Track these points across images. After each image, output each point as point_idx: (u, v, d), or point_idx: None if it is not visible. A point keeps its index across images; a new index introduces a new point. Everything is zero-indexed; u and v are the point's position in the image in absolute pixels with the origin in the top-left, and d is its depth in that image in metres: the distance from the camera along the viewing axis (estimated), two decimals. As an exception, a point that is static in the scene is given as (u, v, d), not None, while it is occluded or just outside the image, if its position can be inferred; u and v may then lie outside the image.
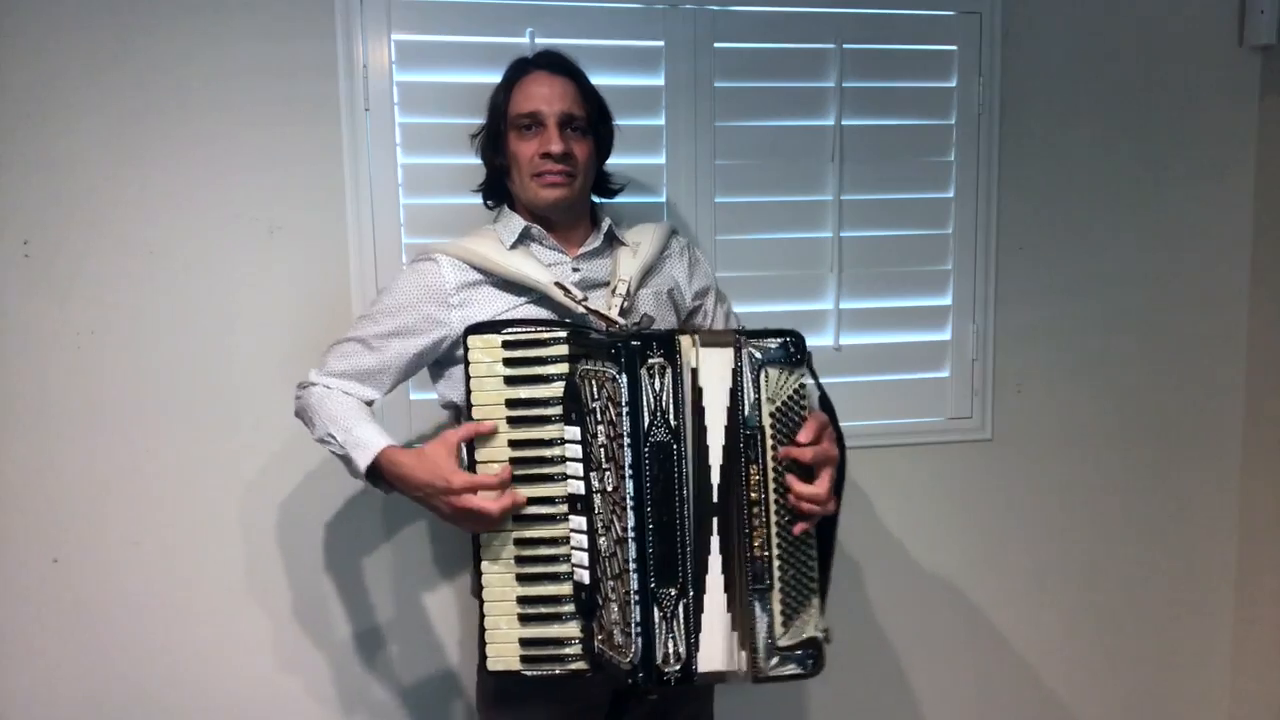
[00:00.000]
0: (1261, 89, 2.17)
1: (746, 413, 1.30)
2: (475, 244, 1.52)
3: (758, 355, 1.30)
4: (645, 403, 1.28)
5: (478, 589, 1.38)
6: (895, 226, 2.06)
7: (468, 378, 1.36)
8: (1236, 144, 2.19)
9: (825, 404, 1.39)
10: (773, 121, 1.99)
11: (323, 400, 1.47)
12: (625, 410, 1.28)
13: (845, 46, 1.98)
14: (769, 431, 1.30)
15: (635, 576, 1.29)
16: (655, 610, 1.29)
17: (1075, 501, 2.21)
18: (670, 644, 1.29)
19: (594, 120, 1.53)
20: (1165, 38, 2.12)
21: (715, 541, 1.31)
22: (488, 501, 1.32)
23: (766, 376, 1.30)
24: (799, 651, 1.31)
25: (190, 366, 1.84)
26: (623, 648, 1.31)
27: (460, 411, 1.54)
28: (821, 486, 1.32)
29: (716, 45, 1.94)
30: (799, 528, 1.32)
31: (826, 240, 2.03)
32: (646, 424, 1.28)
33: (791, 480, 1.31)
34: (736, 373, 1.30)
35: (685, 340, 1.30)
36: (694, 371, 1.30)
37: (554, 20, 1.88)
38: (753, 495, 1.30)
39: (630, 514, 1.28)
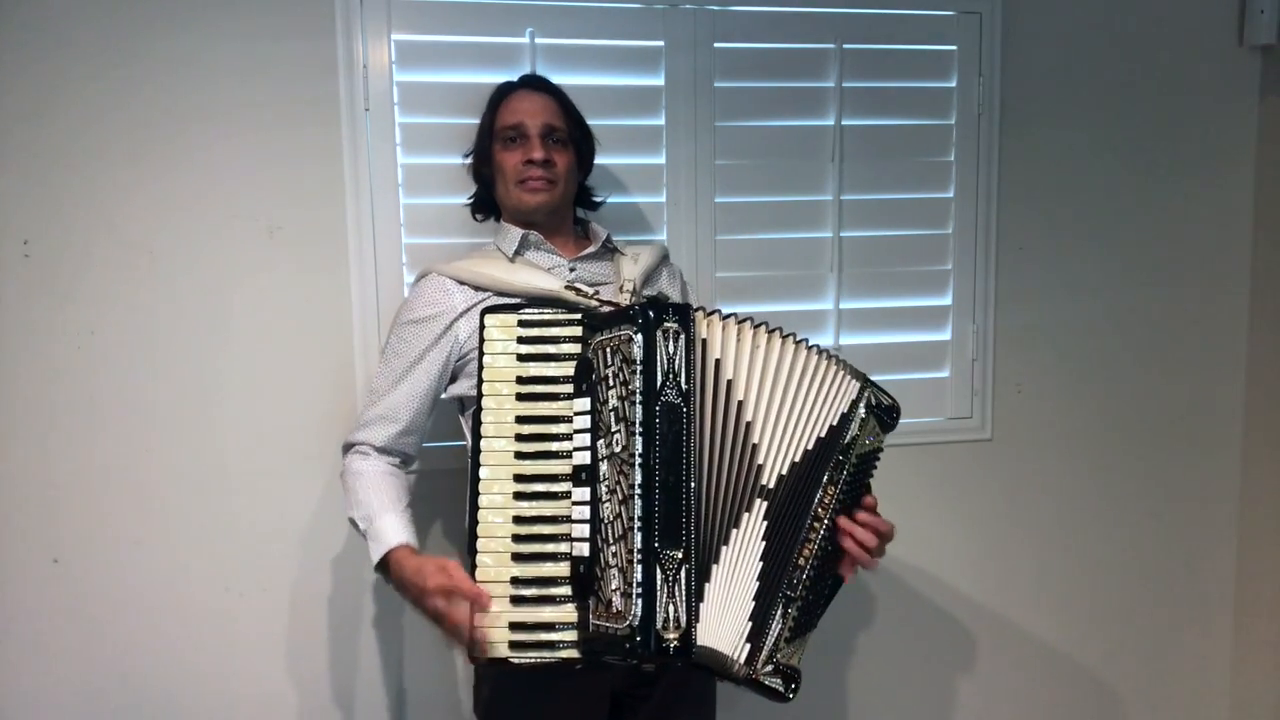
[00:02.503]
0: (1261, 89, 2.17)
1: (846, 441, 1.39)
2: (480, 265, 1.57)
3: (874, 402, 1.42)
4: (659, 363, 1.31)
5: (471, 569, 1.36)
6: (895, 226, 2.06)
7: (481, 354, 1.38)
8: (1236, 144, 2.19)
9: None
10: (773, 121, 1.99)
11: (359, 479, 1.51)
12: (639, 369, 1.31)
13: (845, 46, 1.98)
14: (851, 470, 1.39)
15: (640, 535, 1.29)
16: (658, 571, 1.29)
17: (1075, 501, 2.21)
18: (670, 609, 1.28)
19: (574, 134, 1.62)
20: (1165, 38, 2.12)
21: (760, 525, 1.34)
22: (451, 615, 1.31)
23: (867, 424, 1.40)
24: (788, 671, 1.34)
25: (190, 366, 1.84)
26: (621, 614, 1.29)
27: (464, 405, 1.56)
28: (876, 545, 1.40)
29: (716, 45, 1.94)
30: (848, 575, 1.39)
31: (826, 240, 2.03)
32: (659, 384, 1.31)
33: (866, 520, 1.39)
34: (855, 404, 1.40)
35: (699, 314, 1.36)
36: (704, 342, 1.35)
37: (554, 20, 1.88)
38: (819, 511, 1.36)
39: (638, 471, 1.30)
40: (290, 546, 1.92)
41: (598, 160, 1.70)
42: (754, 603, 1.33)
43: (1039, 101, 2.09)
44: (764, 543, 1.34)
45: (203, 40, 1.78)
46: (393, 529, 1.44)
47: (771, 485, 1.35)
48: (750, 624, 1.32)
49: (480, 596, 1.30)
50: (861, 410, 1.40)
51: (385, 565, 1.44)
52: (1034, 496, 2.19)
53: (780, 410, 1.37)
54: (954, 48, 2.03)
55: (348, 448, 1.56)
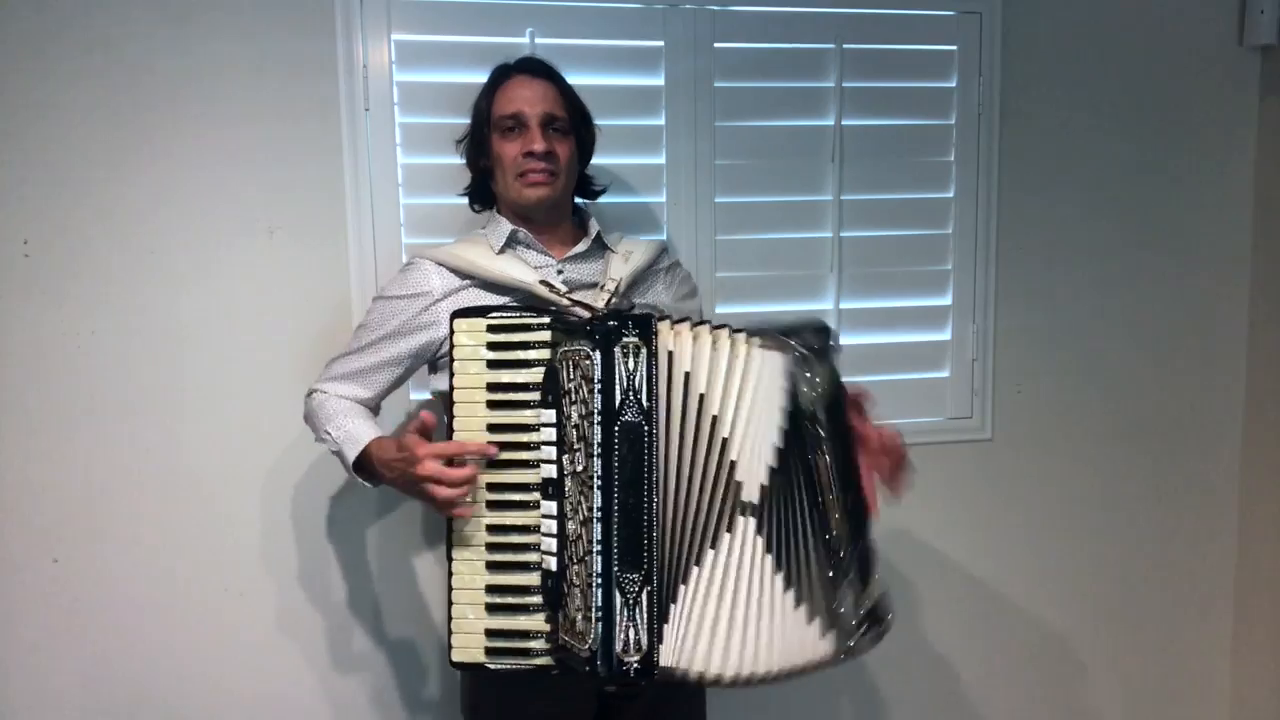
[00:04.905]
0: (1261, 89, 2.17)
1: (809, 413, 1.31)
2: (463, 250, 1.55)
3: (808, 354, 1.32)
4: (617, 381, 1.28)
5: (448, 575, 1.37)
6: (895, 226, 2.05)
7: (451, 360, 1.36)
8: (1236, 144, 2.19)
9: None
10: (773, 121, 1.99)
11: (322, 404, 1.53)
12: (598, 388, 1.28)
13: (845, 46, 1.98)
14: (824, 422, 1.31)
15: (599, 559, 1.28)
16: (617, 595, 1.28)
17: (1075, 501, 2.21)
18: (630, 632, 1.28)
19: (575, 122, 1.57)
20: (1165, 38, 2.12)
21: (754, 540, 1.30)
22: (446, 478, 1.31)
23: (814, 375, 1.31)
24: (875, 614, 1.32)
25: (190, 366, 1.84)
26: (583, 635, 1.29)
27: (446, 401, 1.54)
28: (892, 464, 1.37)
29: (716, 45, 1.94)
30: (875, 512, 1.34)
31: (826, 240, 2.03)
32: (618, 403, 1.28)
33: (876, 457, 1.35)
34: (793, 376, 1.31)
35: (665, 325, 1.30)
36: (670, 355, 1.30)
37: (554, 20, 1.88)
38: (824, 481, 1.31)
39: (597, 493, 1.28)
40: (289, 547, 1.92)
41: (599, 160, 1.69)
42: (789, 592, 1.29)
43: (1039, 101, 2.09)
44: (769, 556, 1.30)
45: (203, 40, 1.78)
46: (365, 428, 1.46)
47: (756, 500, 1.30)
48: (818, 617, 1.29)
49: (484, 450, 1.32)
50: (803, 375, 1.30)
51: (361, 467, 1.45)
52: (1034, 496, 2.19)
53: (749, 415, 1.31)
54: (954, 48, 2.03)
55: (309, 394, 1.57)
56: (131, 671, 1.88)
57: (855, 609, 1.31)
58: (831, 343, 1.33)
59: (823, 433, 1.31)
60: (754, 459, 1.31)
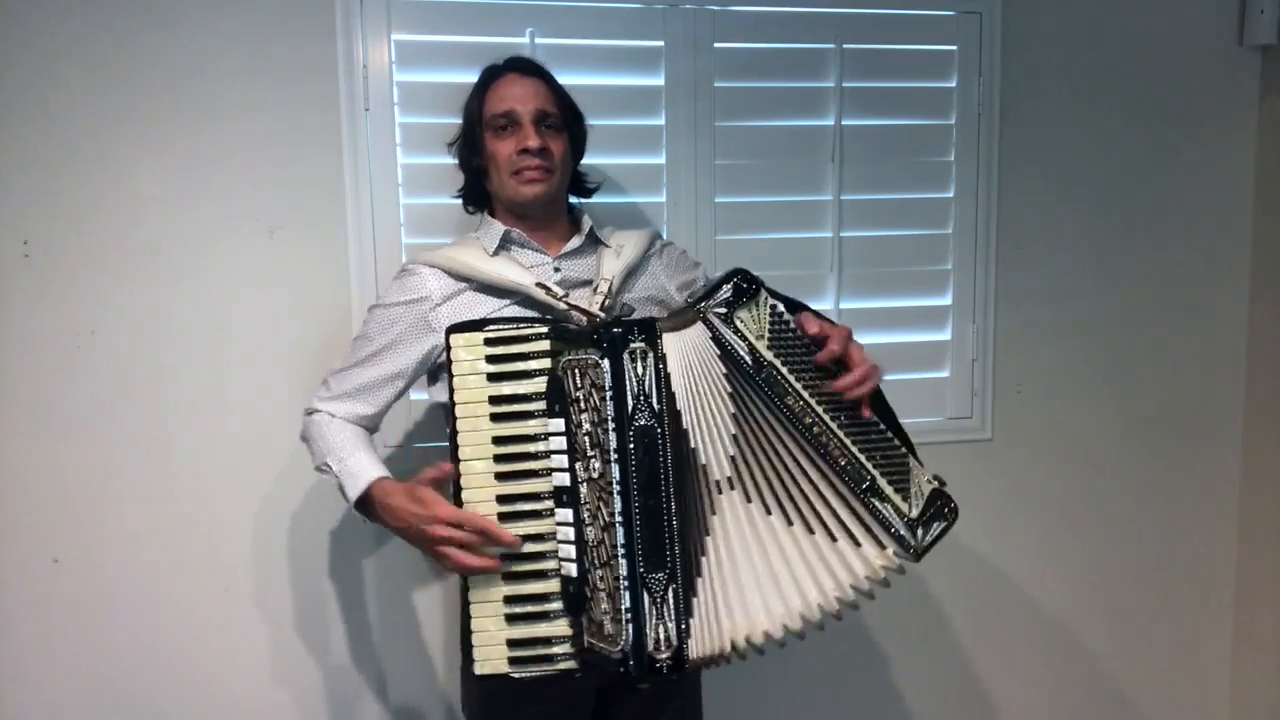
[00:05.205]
0: (1261, 89, 2.17)
1: (751, 362, 1.31)
2: (457, 252, 1.54)
3: (723, 310, 1.31)
4: (629, 387, 1.30)
5: (464, 588, 1.37)
6: (895, 226, 2.05)
7: (450, 376, 1.35)
8: (1236, 144, 2.19)
9: (794, 304, 1.39)
10: (773, 121, 1.99)
11: (322, 429, 1.50)
12: (609, 395, 1.30)
13: (845, 46, 1.98)
14: (778, 362, 1.31)
15: (624, 562, 1.30)
16: (645, 596, 1.30)
17: (1075, 502, 2.21)
18: (660, 630, 1.30)
19: (567, 119, 1.56)
20: (1165, 38, 2.13)
21: (742, 510, 1.31)
22: (462, 554, 1.31)
23: (742, 322, 1.32)
24: (931, 510, 1.34)
25: (190, 366, 1.84)
26: (613, 637, 1.31)
27: (448, 412, 1.54)
28: (859, 370, 1.33)
29: (716, 45, 1.94)
30: (865, 412, 1.33)
31: (826, 240, 2.03)
32: (630, 408, 1.30)
33: (831, 385, 1.32)
34: (717, 340, 1.31)
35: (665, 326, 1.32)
36: (664, 358, 1.31)
37: (554, 20, 1.88)
38: (807, 421, 1.31)
39: (617, 498, 1.30)
40: (289, 548, 1.92)
41: (599, 161, 1.69)
42: (814, 536, 1.31)
43: (1039, 101, 2.09)
44: (772, 517, 1.31)
45: (203, 40, 1.78)
46: (368, 464, 1.44)
47: (730, 474, 1.32)
48: (845, 540, 1.31)
49: (502, 537, 1.30)
50: (726, 333, 1.30)
51: (363, 502, 1.43)
52: (1034, 497, 2.19)
53: (692, 398, 1.32)
54: (954, 48, 2.03)
55: (309, 413, 1.54)
56: (130, 672, 1.88)
57: (904, 514, 1.32)
58: (746, 285, 1.32)
59: (780, 371, 1.31)
60: (712, 437, 1.32)
